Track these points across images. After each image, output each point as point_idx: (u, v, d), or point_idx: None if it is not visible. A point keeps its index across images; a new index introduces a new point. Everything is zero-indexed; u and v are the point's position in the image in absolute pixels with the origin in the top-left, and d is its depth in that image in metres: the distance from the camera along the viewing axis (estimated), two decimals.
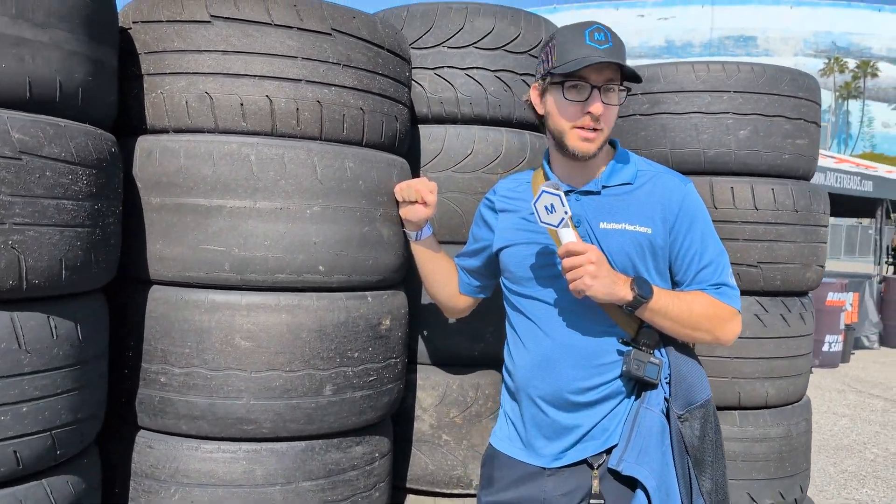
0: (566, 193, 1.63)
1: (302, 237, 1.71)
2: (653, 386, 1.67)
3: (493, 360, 2.26)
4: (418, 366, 2.33)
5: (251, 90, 1.71)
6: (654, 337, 1.68)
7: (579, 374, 1.68)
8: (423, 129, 2.29)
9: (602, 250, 1.63)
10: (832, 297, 9.51)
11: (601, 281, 1.57)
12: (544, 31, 2.37)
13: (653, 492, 1.58)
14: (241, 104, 1.71)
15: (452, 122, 2.31)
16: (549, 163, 1.81)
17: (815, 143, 2.76)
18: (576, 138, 1.66)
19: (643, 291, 1.60)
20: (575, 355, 1.69)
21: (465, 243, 2.00)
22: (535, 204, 1.61)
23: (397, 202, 1.90)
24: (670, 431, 1.64)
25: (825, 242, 2.81)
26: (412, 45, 2.27)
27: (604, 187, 1.72)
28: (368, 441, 1.91)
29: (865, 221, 30.54)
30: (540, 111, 1.76)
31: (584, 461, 1.68)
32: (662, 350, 1.71)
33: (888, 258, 14.99)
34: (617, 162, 1.76)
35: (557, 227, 1.60)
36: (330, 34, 1.77)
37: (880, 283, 11.93)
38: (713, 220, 1.78)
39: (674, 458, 1.64)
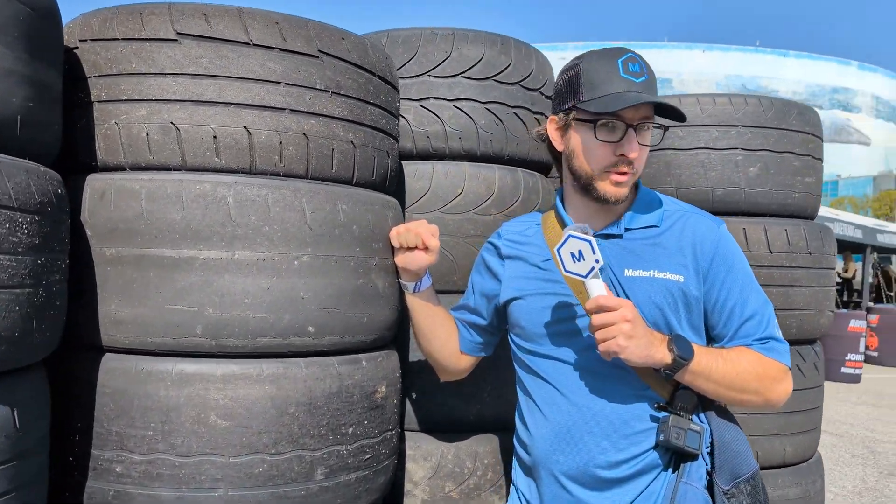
0: None
1: (288, 293, 1.44)
2: (693, 457, 1.47)
3: (492, 424, 2.02)
4: (406, 433, 2.05)
5: (226, 120, 1.45)
6: (692, 400, 1.49)
7: (609, 445, 1.48)
8: (408, 167, 2.05)
9: None
10: (854, 323, 10.24)
11: (637, 342, 1.36)
12: (535, 60, 2.19)
13: None
14: (215, 136, 1.44)
15: (440, 158, 2.09)
16: (562, 203, 1.62)
17: (820, 181, 2.66)
18: (607, 182, 1.48)
19: (684, 352, 1.41)
20: (604, 424, 1.48)
21: (455, 292, 1.78)
22: (559, 250, 1.41)
23: (392, 249, 1.66)
24: None
25: (834, 286, 2.71)
26: None
27: (626, 230, 1.54)
28: None
29: None
30: (559, 148, 1.57)
31: None
32: (702, 415, 1.52)
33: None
34: (640, 202, 1.58)
35: (586, 277, 1.40)
36: (317, 57, 1.53)
37: None
38: None
39: None
